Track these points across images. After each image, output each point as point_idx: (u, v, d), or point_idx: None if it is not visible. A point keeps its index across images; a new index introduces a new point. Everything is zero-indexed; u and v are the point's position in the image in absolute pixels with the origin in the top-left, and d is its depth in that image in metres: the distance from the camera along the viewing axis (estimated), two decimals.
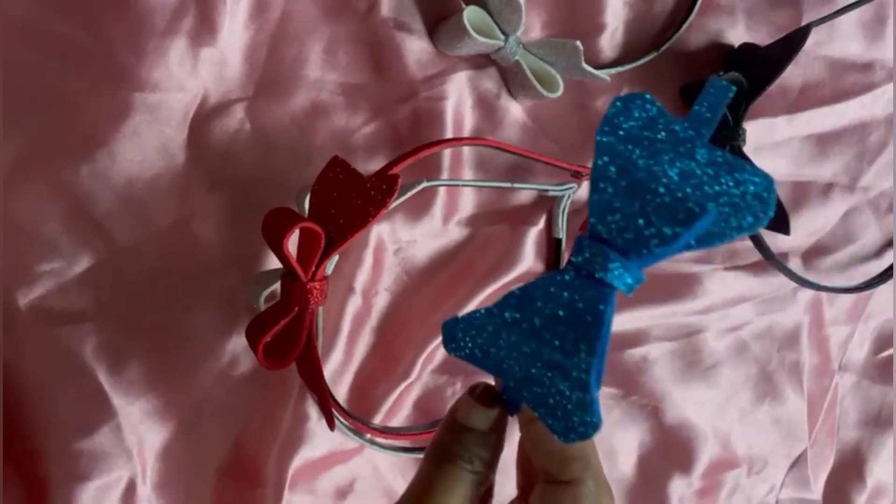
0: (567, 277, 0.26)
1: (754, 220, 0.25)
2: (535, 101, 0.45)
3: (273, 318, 0.36)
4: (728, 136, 0.45)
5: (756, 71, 0.45)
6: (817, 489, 0.55)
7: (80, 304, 0.39)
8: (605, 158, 0.25)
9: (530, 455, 0.28)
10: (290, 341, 0.36)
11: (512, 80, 0.44)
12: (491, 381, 0.29)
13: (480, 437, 0.27)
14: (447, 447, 0.27)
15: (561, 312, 0.26)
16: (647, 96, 0.25)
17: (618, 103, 0.25)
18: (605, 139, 0.25)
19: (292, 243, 0.36)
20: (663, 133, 0.25)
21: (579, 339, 0.25)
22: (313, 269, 0.35)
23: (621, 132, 0.25)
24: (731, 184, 0.25)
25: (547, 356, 0.26)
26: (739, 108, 0.45)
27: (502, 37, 0.42)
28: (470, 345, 0.27)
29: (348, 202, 0.34)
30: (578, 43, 0.40)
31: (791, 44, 0.45)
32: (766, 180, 0.24)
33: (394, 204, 0.35)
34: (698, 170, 0.25)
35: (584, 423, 0.25)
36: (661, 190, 0.24)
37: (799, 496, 0.55)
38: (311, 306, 0.35)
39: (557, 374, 0.26)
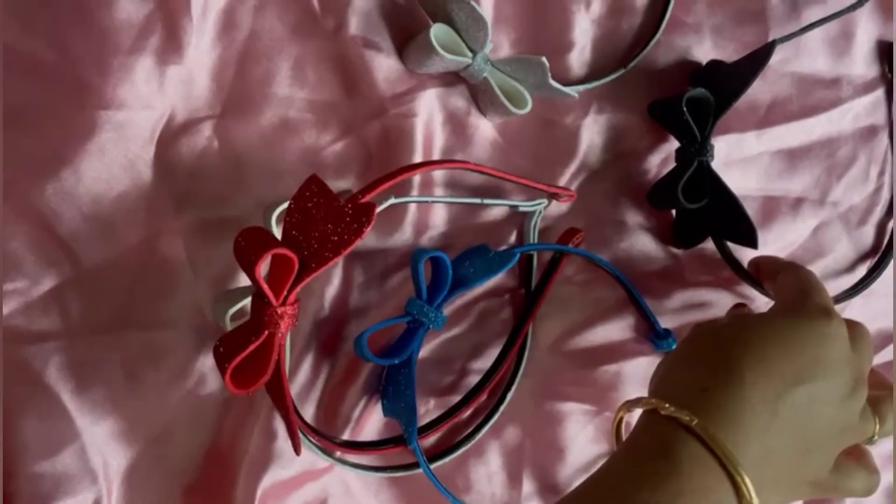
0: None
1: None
2: (504, 117, 0.45)
3: (242, 340, 0.35)
4: (696, 152, 0.46)
5: (723, 87, 0.46)
6: None
7: (45, 324, 0.39)
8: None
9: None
10: (258, 365, 0.36)
11: (481, 97, 0.44)
12: None
13: None
14: None
15: None
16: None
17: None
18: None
19: (264, 265, 0.36)
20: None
21: None
22: (285, 293, 0.34)
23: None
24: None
25: None
26: (707, 125, 0.46)
27: (470, 54, 0.42)
28: None
29: (323, 228, 0.34)
30: (544, 59, 0.41)
31: (756, 60, 0.45)
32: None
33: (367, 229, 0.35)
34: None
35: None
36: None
37: None
38: (281, 331, 0.35)
39: None
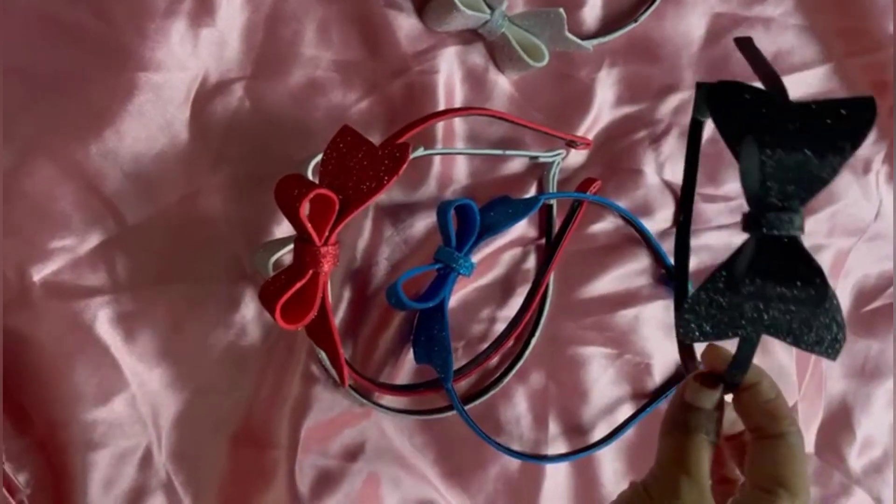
0: None
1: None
2: (521, 72, 0.47)
3: (288, 281, 0.37)
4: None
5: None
6: (809, 442, 0.57)
7: (92, 280, 0.40)
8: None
9: (745, 416, 0.34)
10: (303, 304, 0.38)
11: (499, 53, 0.46)
12: None
13: (710, 414, 0.33)
14: (686, 422, 0.33)
15: None
16: None
17: None
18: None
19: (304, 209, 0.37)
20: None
21: None
22: (327, 233, 0.36)
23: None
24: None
25: None
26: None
27: (488, 10, 0.44)
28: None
29: (360, 169, 0.35)
30: (561, 10, 0.43)
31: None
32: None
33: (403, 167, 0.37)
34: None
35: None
36: None
37: None
38: (324, 269, 0.37)
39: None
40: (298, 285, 0.35)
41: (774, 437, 0.32)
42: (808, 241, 0.44)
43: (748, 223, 0.30)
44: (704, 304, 0.31)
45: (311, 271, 0.35)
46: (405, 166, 0.34)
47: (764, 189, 0.29)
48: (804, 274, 0.29)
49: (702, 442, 0.33)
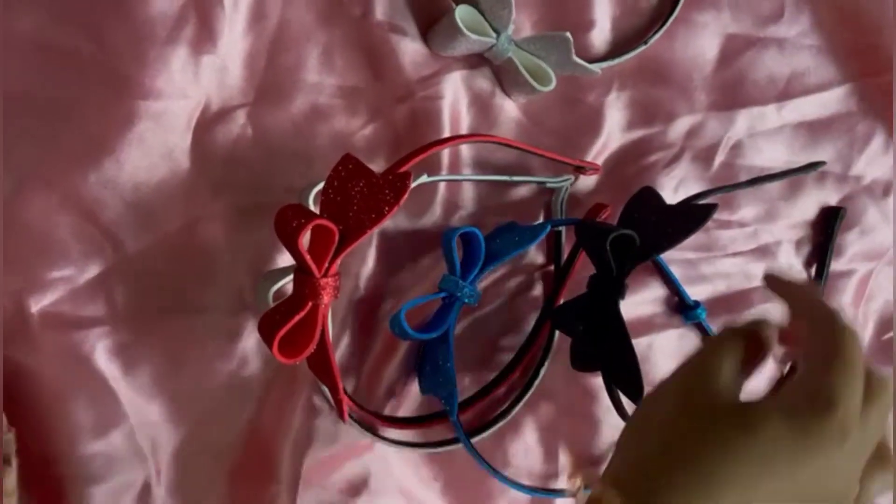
0: None
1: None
2: (528, 96, 0.46)
3: (286, 313, 0.36)
4: (609, 291, 0.43)
5: (650, 232, 0.43)
6: None
7: (91, 310, 0.40)
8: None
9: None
10: (303, 336, 0.37)
11: (505, 77, 0.45)
12: None
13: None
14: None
15: None
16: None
17: None
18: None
19: (304, 240, 0.37)
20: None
21: None
22: (326, 264, 0.36)
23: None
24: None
25: None
26: (625, 266, 0.43)
27: (494, 34, 0.43)
28: None
29: (361, 199, 0.35)
30: (568, 34, 0.42)
31: (691, 220, 0.43)
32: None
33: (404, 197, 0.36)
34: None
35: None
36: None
37: None
38: (324, 301, 0.36)
39: None
40: (297, 318, 0.34)
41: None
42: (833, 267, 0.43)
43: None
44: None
45: (310, 303, 0.35)
46: (406, 196, 0.33)
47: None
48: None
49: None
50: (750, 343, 0.33)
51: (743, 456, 0.29)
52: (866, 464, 0.31)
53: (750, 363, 0.33)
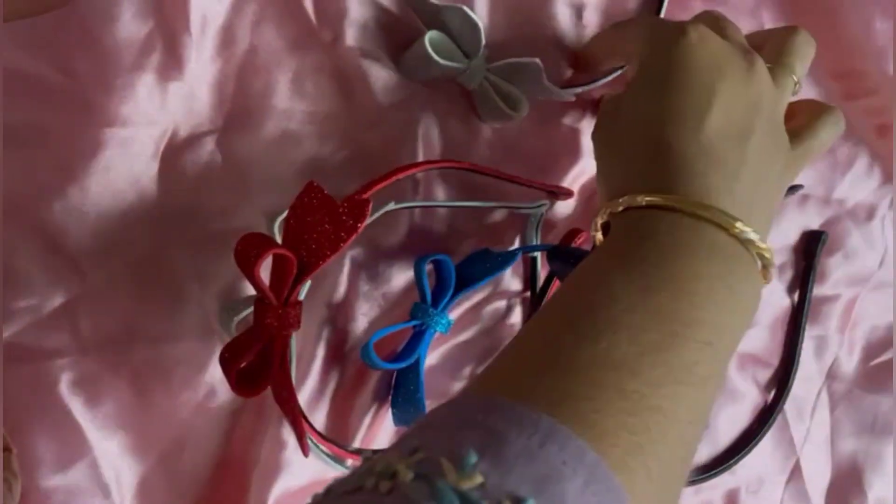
0: None
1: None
2: (502, 121, 0.46)
3: (246, 344, 0.36)
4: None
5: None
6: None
7: (55, 341, 0.39)
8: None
9: None
10: (263, 368, 0.36)
11: (478, 102, 0.45)
12: None
13: None
14: None
15: None
16: None
17: None
18: None
19: (266, 269, 0.36)
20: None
21: None
22: (286, 294, 0.35)
23: None
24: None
25: None
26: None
27: (465, 60, 0.42)
28: None
29: (321, 227, 0.34)
30: (538, 61, 0.41)
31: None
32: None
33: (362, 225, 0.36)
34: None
35: None
36: None
37: None
38: (284, 331, 0.35)
39: None
40: (256, 349, 0.33)
41: None
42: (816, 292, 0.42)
43: None
44: None
45: (269, 334, 0.34)
46: (364, 224, 0.33)
47: None
48: None
49: None
50: None
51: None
52: (809, 112, 0.39)
53: None
